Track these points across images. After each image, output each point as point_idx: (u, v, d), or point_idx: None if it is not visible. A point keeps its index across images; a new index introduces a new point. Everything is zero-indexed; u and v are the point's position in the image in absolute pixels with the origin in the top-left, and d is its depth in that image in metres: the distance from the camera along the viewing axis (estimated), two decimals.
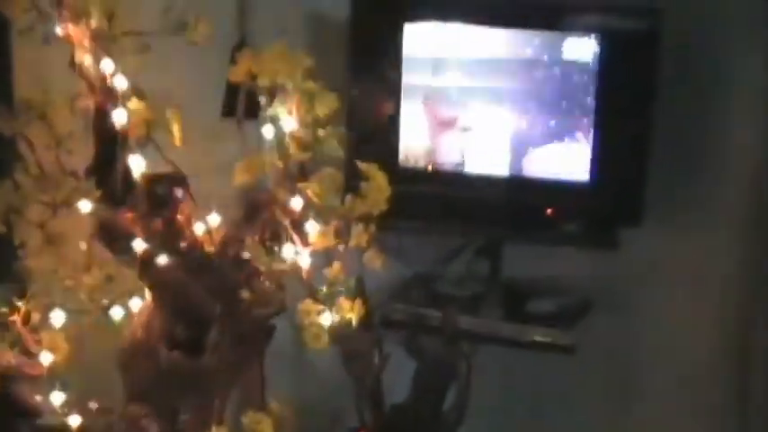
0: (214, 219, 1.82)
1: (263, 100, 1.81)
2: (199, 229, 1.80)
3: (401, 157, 2.56)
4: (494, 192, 2.58)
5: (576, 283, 2.79)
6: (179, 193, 1.76)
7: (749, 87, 2.73)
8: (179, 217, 1.76)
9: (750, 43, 2.70)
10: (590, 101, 2.52)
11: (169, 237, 1.74)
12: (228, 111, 2.18)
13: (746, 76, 2.72)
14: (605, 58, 2.49)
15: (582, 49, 2.51)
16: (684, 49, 2.63)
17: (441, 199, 2.58)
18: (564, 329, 2.60)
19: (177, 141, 1.74)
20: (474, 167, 2.58)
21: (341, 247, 1.81)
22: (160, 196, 1.75)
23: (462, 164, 2.58)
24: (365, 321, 1.95)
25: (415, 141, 2.57)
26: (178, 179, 1.77)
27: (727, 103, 2.74)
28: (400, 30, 2.51)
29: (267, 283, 1.84)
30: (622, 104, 2.52)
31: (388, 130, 2.54)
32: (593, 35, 2.50)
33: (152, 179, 1.75)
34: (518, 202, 2.59)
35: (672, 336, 2.89)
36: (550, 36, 2.52)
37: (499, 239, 2.69)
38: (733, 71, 2.73)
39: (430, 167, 2.59)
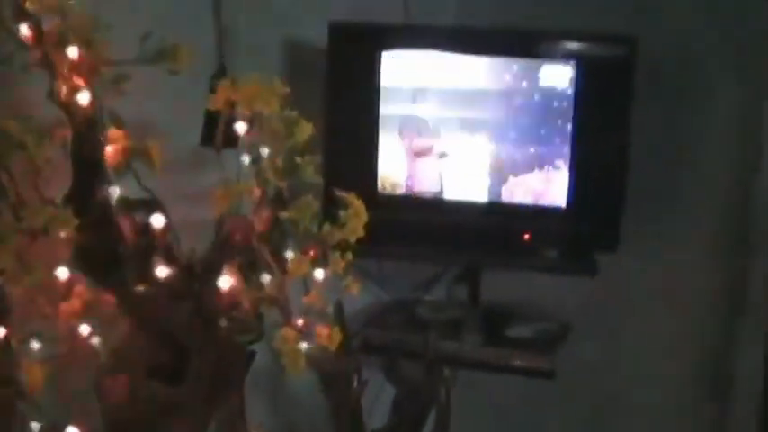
0: (192, 247, 1.81)
1: (241, 128, 1.81)
2: (177, 256, 1.79)
3: (379, 184, 2.58)
4: (472, 217, 2.61)
5: (554, 307, 2.81)
6: (157, 220, 1.75)
7: (723, 114, 2.76)
8: (157, 244, 1.75)
9: (723, 72, 2.73)
10: (567, 127, 2.54)
11: (147, 264, 1.74)
12: (207, 139, 2.18)
13: (720, 103, 2.76)
14: (582, 84, 2.51)
15: (559, 76, 2.54)
16: (659, 77, 2.66)
17: (419, 225, 2.60)
18: (543, 354, 2.61)
19: (156, 169, 1.74)
20: (452, 194, 2.60)
21: (319, 274, 1.81)
22: (138, 224, 1.75)
23: (440, 191, 2.60)
24: (344, 347, 1.95)
25: (393, 169, 2.59)
26: (156, 207, 1.76)
27: (700, 130, 2.77)
28: (377, 58, 2.53)
29: (246, 310, 1.83)
30: (599, 131, 2.55)
31: (366, 157, 2.56)
32: (569, 62, 2.52)
33: (130, 207, 1.75)
34: (496, 228, 2.61)
35: (650, 360, 2.91)
36: (527, 63, 2.54)
37: (478, 265, 2.70)
38: (706, 99, 2.76)
39: (408, 194, 2.60)
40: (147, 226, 1.75)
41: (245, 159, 1.82)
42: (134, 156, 1.74)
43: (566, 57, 2.54)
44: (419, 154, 2.59)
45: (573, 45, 2.55)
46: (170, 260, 1.76)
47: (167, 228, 1.76)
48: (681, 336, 2.90)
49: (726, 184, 2.83)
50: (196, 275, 1.81)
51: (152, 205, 1.76)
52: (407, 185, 2.61)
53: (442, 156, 2.59)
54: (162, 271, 1.74)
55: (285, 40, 2.60)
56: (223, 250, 1.80)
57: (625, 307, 2.91)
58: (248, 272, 1.80)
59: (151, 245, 1.74)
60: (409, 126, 2.59)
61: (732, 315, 2.85)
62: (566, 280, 2.76)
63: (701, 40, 2.74)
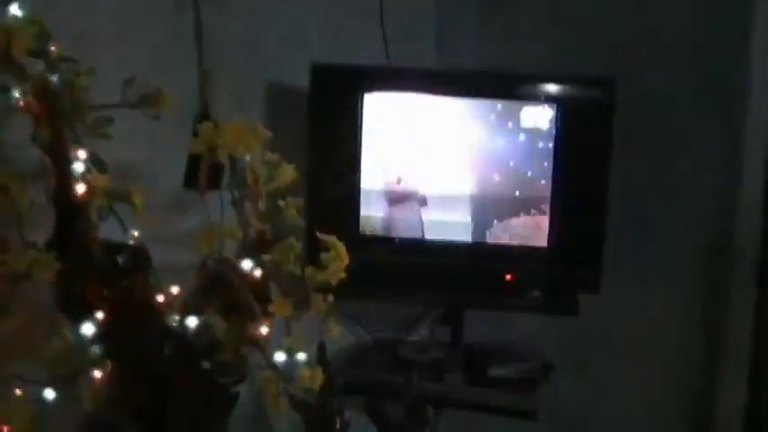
0: (175, 289, 1.82)
1: (224, 171, 1.81)
2: (160, 299, 1.80)
3: (361, 225, 2.58)
4: (454, 258, 2.61)
5: (537, 347, 2.81)
6: (139, 263, 1.75)
7: (701, 153, 2.79)
8: (140, 288, 1.76)
9: (701, 111, 2.76)
10: (548, 169, 2.54)
11: (130, 307, 1.74)
12: (191, 181, 2.19)
13: (699, 141, 2.79)
14: (562, 126, 2.53)
15: (539, 117, 2.55)
16: (638, 117, 2.69)
17: (401, 266, 2.60)
18: (525, 394, 2.61)
19: (138, 213, 1.75)
20: (434, 235, 2.60)
21: (301, 317, 1.82)
22: (121, 267, 1.75)
23: (422, 232, 2.60)
24: (326, 388, 1.95)
25: (375, 211, 2.60)
26: (138, 250, 1.77)
27: (681, 169, 2.80)
28: (359, 100, 2.55)
29: (228, 352, 1.83)
30: (580, 171, 2.56)
31: (348, 199, 2.57)
32: (549, 104, 2.54)
33: (113, 250, 1.75)
34: (478, 269, 2.61)
35: (632, 401, 2.92)
36: (508, 105, 2.56)
37: (460, 306, 2.70)
38: (685, 138, 2.79)
39: (389, 236, 2.61)
40: (130, 269, 1.74)
41: (228, 202, 1.82)
42: (116, 199, 1.74)
43: (546, 99, 2.56)
44: (399, 200, 2.60)
45: (552, 87, 2.58)
46: (152, 302, 1.76)
47: (149, 270, 1.76)
48: (662, 377, 2.91)
49: (707, 224, 2.85)
50: (179, 318, 1.81)
51: (135, 248, 1.76)
52: (387, 228, 2.61)
53: (423, 203, 2.59)
54: (144, 313, 1.74)
55: (267, 82, 2.62)
56: (205, 292, 1.79)
57: (607, 347, 2.92)
58: (230, 314, 1.80)
59: (134, 287, 1.74)
60: (389, 170, 2.60)
61: (713, 358, 2.86)
62: (548, 320, 2.77)
63: (680, 79, 2.77)
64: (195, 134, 1.85)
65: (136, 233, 1.79)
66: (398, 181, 2.60)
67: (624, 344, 2.92)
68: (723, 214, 2.82)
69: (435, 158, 2.60)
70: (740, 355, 2.78)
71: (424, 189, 2.60)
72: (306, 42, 2.69)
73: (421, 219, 2.60)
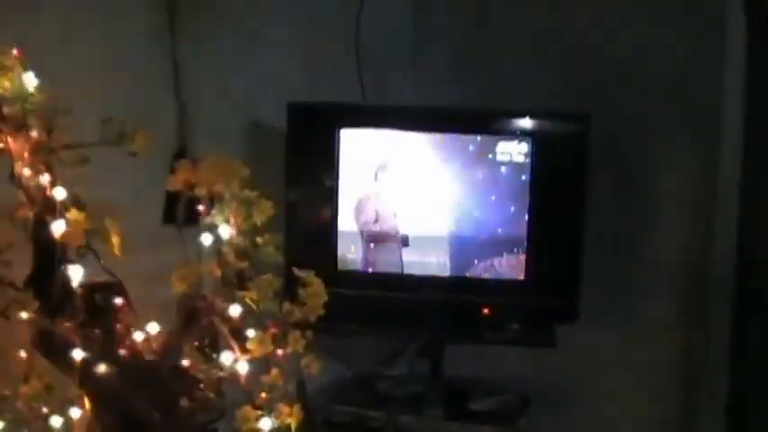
0: (153, 327, 1.81)
1: (201, 208, 1.81)
2: (138, 337, 1.79)
3: (339, 261, 2.58)
4: (432, 293, 2.61)
5: (515, 380, 2.81)
6: (117, 301, 1.75)
7: (677, 186, 2.81)
8: (118, 325, 1.75)
9: (676, 145, 2.79)
10: (526, 202, 2.55)
11: (108, 345, 1.74)
12: (168, 218, 2.19)
13: (674, 175, 2.81)
14: (537, 161, 2.55)
15: (515, 152, 2.56)
16: (613, 151, 2.72)
17: (379, 302, 2.60)
18: (505, 427, 2.61)
19: (116, 250, 1.74)
20: (412, 270, 2.60)
21: (279, 353, 1.80)
22: (99, 305, 1.75)
23: (400, 267, 2.61)
24: (306, 424, 1.94)
25: (353, 246, 2.60)
26: (116, 288, 1.76)
27: (655, 201, 2.82)
28: (336, 138, 2.56)
29: (206, 390, 1.82)
30: (556, 203, 2.58)
31: (325, 235, 2.57)
32: (525, 139, 2.56)
33: (90, 288, 1.75)
34: (455, 303, 2.61)
35: (612, 430, 2.91)
36: (484, 141, 2.57)
37: (439, 339, 2.70)
38: (660, 171, 2.81)
39: (366, 272, 2.61)
40: (108, 307, 1.74)
41: (206, 239, 1.82)
42: (94, 236, 1.74)
43: (521, 134, 2.58)
44: (379, 240, 2.61)
45: (528, 122, 2.59)
46: (130, 341, 1.75)
47: (127, 308, 1.76)
48: (640, 408, 2.91)
49: (682, 256, 2.86)
50: (156, 356, 1.80)
51: (112, 286, 1.76)
52: (367, 262, 2.61)
53: (404, 243, 2.60)
54: (122, 352, 1.73)
55: (245, 119, 2.64)
56: (184, 330, 1.79)
57: (585, 379, 2.92)
58: (209, 351, 1.80)
59: (112, 326, 1.74)
60: (370, 202, 2.60)
61: (690, 387, 2.87)
62: (526, 353, 2.77)
63: (654, 113, 2.80)
64: (173, 171, 1.85)
65: (114, 271, 1.79)
66: (376, 220, 2.60)
67: (601, 375, 2.92)
68: (699, 244, 2.83)
69: (414, 196, 2.61)
70: (716, 384, 2.78)
71: (403, 228, 2.61)
72: (283, 80, 2.71)
73: (401, 258, 2.60)
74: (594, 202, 2.59)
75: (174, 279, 1.77)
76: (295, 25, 2.74)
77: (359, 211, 2.60)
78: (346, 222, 2.60)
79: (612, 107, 2.75)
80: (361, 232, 2.60)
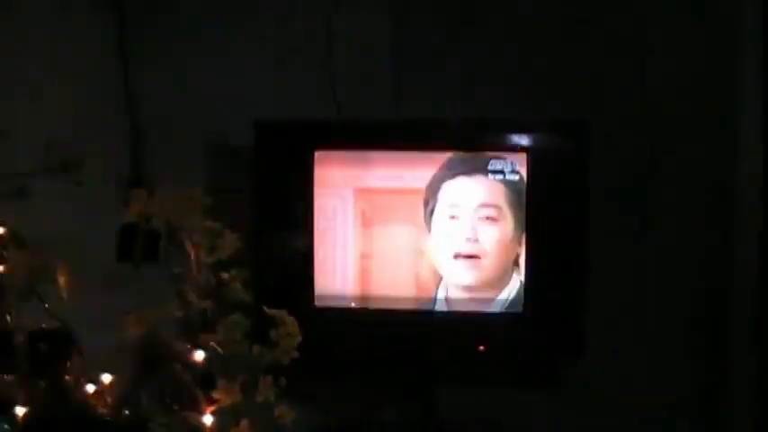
0: (106, 377, 1.79)
1: (160, 242, 1.80)
2: (89, 388, 1.78)
3: (316, 297, 2.56)
4: (422, 330, 2.58)
5: (515, 423, 2.78)
6: (66, 349, 1.72)
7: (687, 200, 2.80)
8: (66, 377, 1.73)
9: (689, 153, 2.78)
10: (521, 219, 2.54)
11: (54, 399, 1.71)
12: (123, 254, 2.17)
13: (685, 189, 2.80)
14: (533, 176, 2.52)
15: (508, 168, 2.54)
16: (616, 162, 2.71)
17: (362, 341, 2.57)
18: None
19: (64, 292, 1.73)
20: (398, 304, 2.58)
21: (249, 402, 1.79)
22: (44, 354, 1.73)
23: (385, 300, 2.58)
24: None
25: (332, 279, 2.57)
26: (64, 334, 1.75)
27: (666, 219, 2.80)
28: (310, 158, 2.53)
29: None
30: (555, 224, 2.55)
31: (301, 268, 2.55)
32: (519, 153, 2.53)
33: (35, 336, 1.73)
34: (446, 340, 2.59)
35: None
36: (476, 156, 2.55)
37: (429, 380, 2.67)
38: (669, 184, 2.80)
39: (348, 307, 2.58)
40: (55, 356, 1.72)
41: (166, 276, 1.81)
42: (39, 277, 1.72)
43: (515, 147, 2.55)
44: (363, 259, 2.58)
45: (522, 134, 2.57)
46: (80, 393, 1.73)
47: (77, 357, 1.74)
48: None
49: (697, 279, 2.84)
50: (110, 410, 1.78)
51: (60, 333, 1.74)
52: (349, 297, 2.58)
53: (386, 262, 2.57)
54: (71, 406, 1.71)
55: (207, 140, 2.62)
56: (142, 380, 1.77)
57: (591, 420, 2.90)
58: (170, 402, 1.77)
59: (59, 377, 1.71)
60: (350, 229, 2.57)
61: (705, 418, 2.85)
62: (526, 391, 2.74)
63: (663, 119, 2.79)
64: (127, 202, 1.83)
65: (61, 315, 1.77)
66: (359, 244, 2.58)
67: (609, 415, 2.89)
68: (715, 264, 2.81)
69: (398, 220, 2.60)
70: (745, 418, 2.77)
71: (385, 250, 2.58)
72: (250, 97, 2.68)
73: (384, 283, 2.58)
74: (597, 221, 2.57)
75: (130, 322, 1.76)
76: (265, 36, 2.73)
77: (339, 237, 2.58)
78: (323, 253, 2.56)
79: (614, 113, 2.74)
80: (342, 257, 2.57)
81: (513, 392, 2.74)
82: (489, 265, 2.53)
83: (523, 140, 2.55)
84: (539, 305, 2.56)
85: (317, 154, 2.54)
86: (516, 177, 2.52)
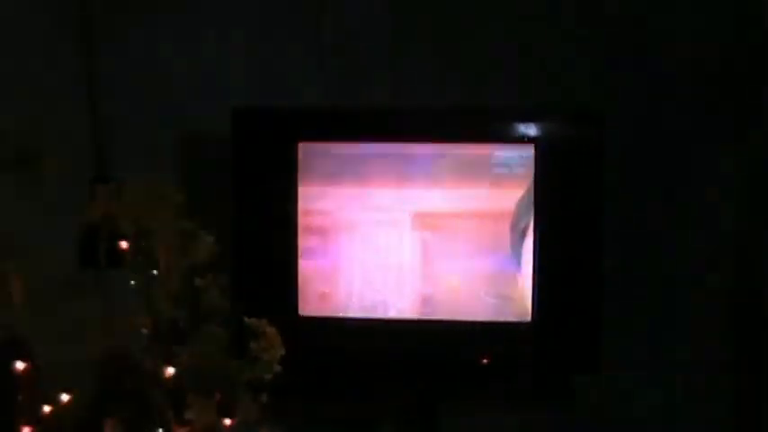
0: (65, 396, 1.77)
1: (126, 245, 1.80)
2: (46, 408, 1.75)
3: (300, 305, 2.54)
4: (419, 341, 2.57)
5: None
6: (20, 365, 1.71)
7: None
8: (20, 396, 1.71)
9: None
10: (528, 219, 2.53)
11: (6, 421, 1.69)
12: (86, 259, 2.17)
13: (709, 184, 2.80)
14: (541, 171, 2.52)
15: (514, 162, 2.53)
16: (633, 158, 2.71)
17: (353, 354, 2.56)
18: None
19: (18, 300, 1.72)
20: (392, 312, 2.57)
21: (227, 423, 1.78)
22: None
23: (377, 308, 2.56)
24: None
25: (318, 285, 2.55)
26: (19, 348, 1.73)
27: (690, 214, 2.81)
28: (293, 150, 2.52)
29: None
30: (566, 226, 2.54)
31: (284, 273, 2.53)
32: (527, 145, 2.54)
33: None
34: (447, 352, 2.57)
35: None
36: (479, 149, 2.55)
37: (429, 400, 2.66)
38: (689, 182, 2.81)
39: (337, 316, 2.57)
40: (7, 373, 1.70)
41: (133, 283, 1.81)
42: None
43: (522, 139, 2.54)
44: (351, 262, 2.57)
45: (530, 124, 2.56)
46: (35, 414, 1.71)
47: (33, 373, 1.72)
48: None
49: (724, 285, 2.84)
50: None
51: (14, 346, 1.72)
52: (336, 304, 2.57)
53: (379, 266, 2.56)
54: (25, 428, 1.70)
55: (181, 131, 2.61)
56: (105, 398, 1.75)
57: None
58: (137, 424, 1.76)
59: (12, 396, 1.70)
60: (338, 229, 2.55)
61: None
62: (537, 408, 2.75)
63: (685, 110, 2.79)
64: (91, 200, 1.84)
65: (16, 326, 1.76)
66: (346, 245, 2.57)
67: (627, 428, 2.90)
68: (743, 268, 2.82)
69: (391, 220, 2.58)
70: None
71: (376, 253, 2.57)
72: (229, 84, 2.68)
73: (377, 288, 2.56)
74: (612, 222, 2.58)
75: (93, 334, 1.77)
76: (244, 17, 2.71)
77: (326, 238, 2.57)
78: (309, 256, 2.55)
79: (631, 104, 2.74)
80: (330, 260, 2.56)
81: (523, 410, 2.74)
82: None
83: (533, 131, 2.55)
84: (549, 314, 2.55)
85: (300, 146, 2.53)
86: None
